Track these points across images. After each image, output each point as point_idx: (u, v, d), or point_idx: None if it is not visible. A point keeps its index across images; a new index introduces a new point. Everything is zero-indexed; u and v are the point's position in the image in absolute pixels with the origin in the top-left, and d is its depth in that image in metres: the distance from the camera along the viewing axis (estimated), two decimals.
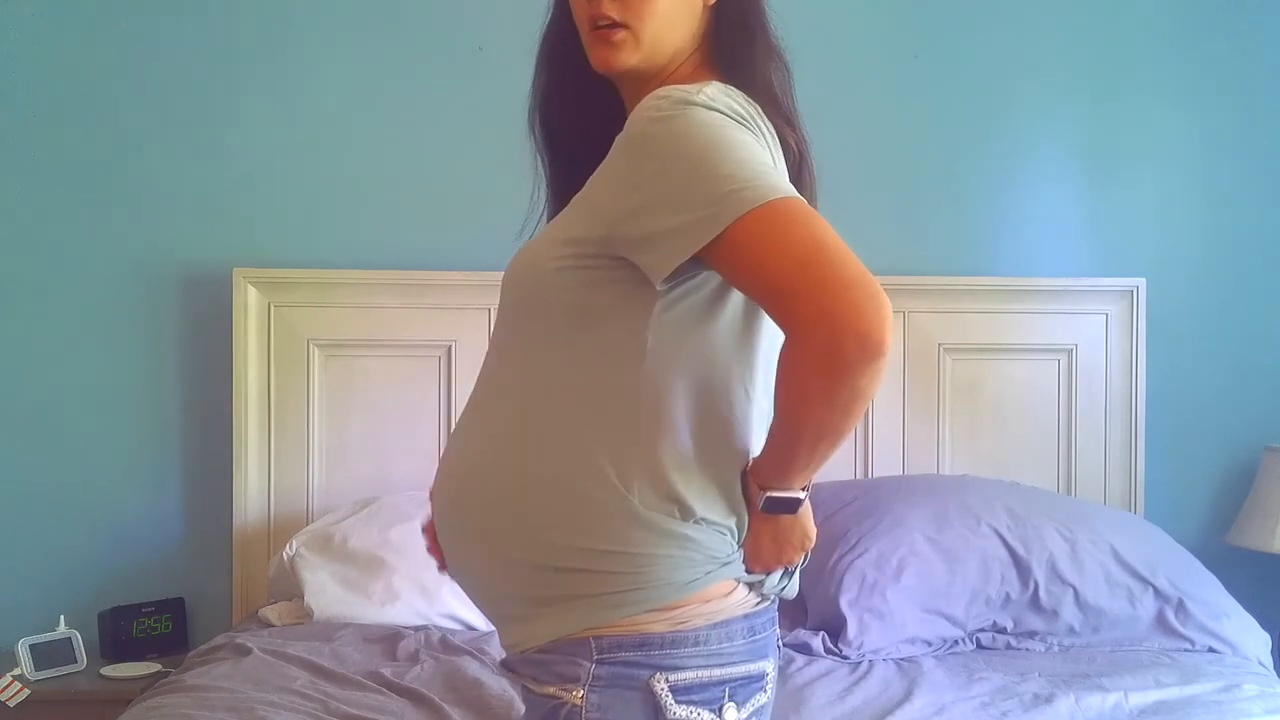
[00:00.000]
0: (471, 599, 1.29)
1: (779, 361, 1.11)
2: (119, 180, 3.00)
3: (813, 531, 1.25)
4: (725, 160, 1.09)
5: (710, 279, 1.16)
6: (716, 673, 1.16)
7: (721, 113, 1.14)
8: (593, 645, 1.14)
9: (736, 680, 1.17)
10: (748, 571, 1.23)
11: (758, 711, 1.20)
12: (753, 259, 1.06)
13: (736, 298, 1.17)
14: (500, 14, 2.94)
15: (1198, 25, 3.20)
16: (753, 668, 1.19)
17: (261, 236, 3.03)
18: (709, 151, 1.09)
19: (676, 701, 1.13)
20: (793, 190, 1.10)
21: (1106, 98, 3.18)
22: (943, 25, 3.16)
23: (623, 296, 1.16)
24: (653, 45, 1.26)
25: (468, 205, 3.03)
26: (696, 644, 1.15)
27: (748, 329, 1.20)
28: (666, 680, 1.14)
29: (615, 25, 1.25)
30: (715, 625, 1.16)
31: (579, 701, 1.14)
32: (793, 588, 1.29)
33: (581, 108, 1.36)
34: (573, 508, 1.15)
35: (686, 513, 1.15)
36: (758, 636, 1.20)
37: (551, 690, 1.16)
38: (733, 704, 1.16)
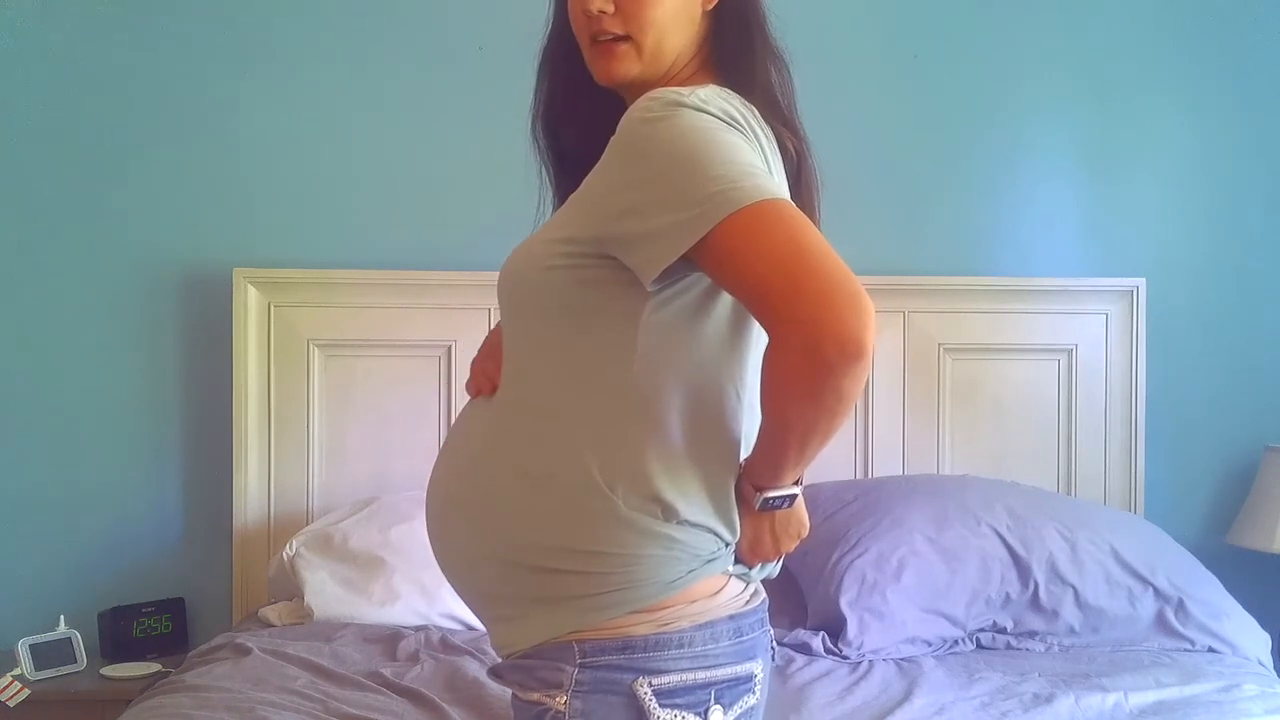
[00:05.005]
0: (461, 597, 1.30)
1: (763, 364, 1.12)
2: (119, 180, 3.00)
3: (806, 520, 1.26)
4: (713, 162, 1.09)
5: (700, 280, 1.16)
6: (701, 675, 1.15)
7: (713, 115, 1.14)
8: (576, 650, 1.14)
9: (722, 682, 1.17)
10: (745, 565, 1.23)
11: (746, 713, 1.19)
12: (736, 261, 1.06)
13: (726, 299, 1.17)
14: (500, 14, 2.94)
15: (1198, 25, 3.20)
16: (739, 669, 1.18)
17: (261, 236, 3.03)
18: (697, 153, 1.09)
19: (661, 705, 1.13)
20: (780, 192, 1.10)
21: (1107, 97, 3.18)
22: (942, 25, 3.17)
23: (613, 297, 1.16)
24: (654, 54, 1.26)
25: (468, 205, 3.03)
26: (681, 646, 1.15)
27: (737, 329, 1.20)
28: (650, 684, 1.13)
29: (616, 38, 1.25)
30: (700, 626, 1.16)
31: (562, 707, 1.14)
32: (775, 568, 1.29)
33: (585, 114, 1.35)
34: (556, 508, 1.16)
35: (670, 514, 1.15)
36: (744, 638, 1.20)
37: (536, 696, 1.16)
38: (719, 706, 1.16)
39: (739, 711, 1.18)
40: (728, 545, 1.20)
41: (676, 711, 1.14)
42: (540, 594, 1.17)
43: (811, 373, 1.04)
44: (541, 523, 1.16)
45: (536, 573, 1.16)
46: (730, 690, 1.17)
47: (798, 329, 1.03)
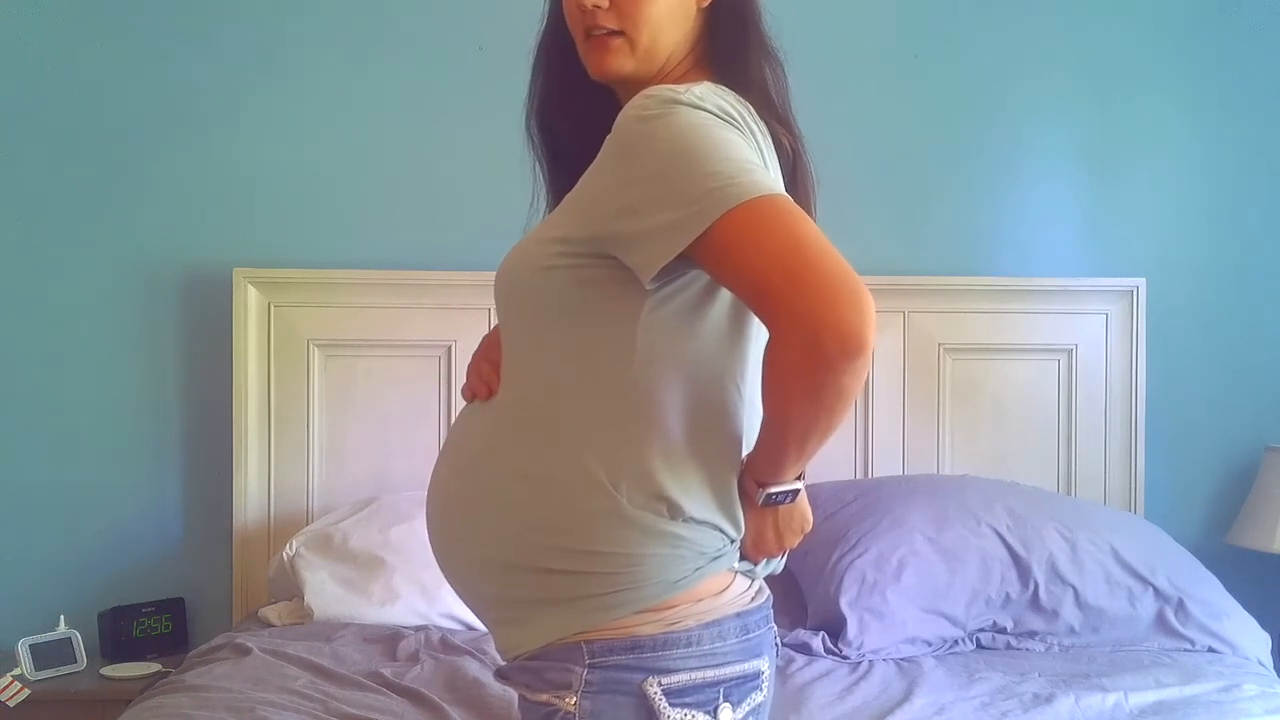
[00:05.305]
0: (464, 601, 1.29)
1: (764, 360, 1.11)
2: (119, 180, 3.00)
3: (810, 514, 1.26)
4: (710, 158, 1.08)
5: (699, 277, 1.16)
6: (710, 673, 1.15)
7: (709, 112, 1.14)
8: (584, 650, 1.14)
9: (730, 680, 1.17)
10: (750, 561, 1.24)
11: (754, 711, 1.19)
12: (735, 257, 1.06)
13: (725, 295, 1.17)
14: (500, 14, 2.93)
15: (1198, 25, 3.20)
16: (747, 667, 1.18)
17: (261, 236, 3.03)
18: (694, 150, 1.09)
19: (670, 705, 1.13)
20: (778, 188, 1.10)
21: (1107, 97, 3.18)
22: (942, 25, 3.17)
23: (612, 296, 1.16)
24: (648, 50, 1.26)
25: (468, 205, 3.03)
26: (689, 645, 1.15)
27: (737, 325, 1.20)
28: (659, 683, 1.13)
29: (610, 33, 1.25)
30: (707, 625, 1.16)
31: (572, 708, 1.13)
32: (779, 564, 1.30)
33: (579, 110, 1.35)
34: (561, 508, 1.15)
35: (675, 511, 1.15)
36: (751, 635, 1.20)
37: (545, 697, 1.16)
38: (728, 704, 1.16)
39: (747, 709, 1.18)
40: (733, 542, 1.20)
41: (686, 710, 1.14)
42: (545, 595, 1.16)
43: (812, 368, 1.04)
44: (545, 524, 1.16)
45: (541, 574, 1.16)
46: (739, 688, 1.17)
47: (798, 325, 1.03)
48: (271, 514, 2.95)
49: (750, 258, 1.05)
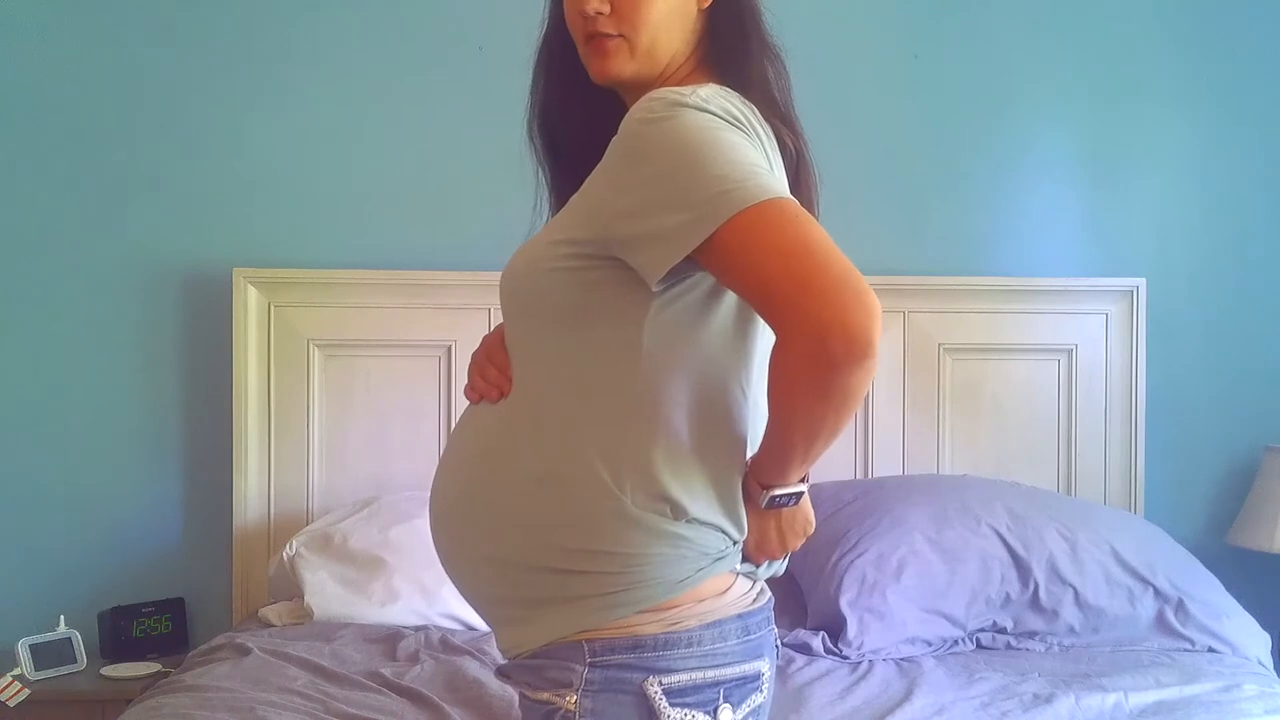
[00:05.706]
0: (466, 599, 1.30)
1: (770, 362, 1.12)
2: (119, 181, 3.00)
3: (813, 517, 1.27)
4: (717, 161, 1.09)
5: (704, 279, 1.16)
6: (710, 674, 1.16)
7: (714, 114, 1.14)
8: (585, 649, 1.14)
9: (731, 681, 1.17)
10: (753, 563, 1.24)
11: (754, 712, 1.20)
12: (742, 260, 1.06)
13: (731, 297, 1.18)
14: (500, 14, 2.93)
15: (1197, 26, 3.20)
16: (747, 668, 1.19)
17: (261, 236, 3.03)
18: (701, 153, 1.09)
19: (671, 704, 1.14)
20: (784, 191, 1.10)
21: (1107, 98, 3.18)
22: (943, 25, 3.17)
23: (618, 297, 1.16)
24: (649, 52, 1.26)
25: (467, 205, 3.03)
26: (690, 645, 1.15)
27: (742, 327, 1.20)
28: (660, 683, 1.14)
29: (610, 36, 1.26)
30: (708, 625, 1.16)
31: (572, 707, 1.14)
32: (781, 566, 1.30)
33: (582, 114, 1.35)
34: (565, 508, 1.16)
35: (679, 512, 1.15)
36: (752, 636, 1.20)
37: (545, 696, 1.16)
38: (728, 705, 1.16)
39: (747, 710, 1.19)
40: (735, 543, 1.21)
41: (686, 710, 1.14)
42: (549, 595, 1.17)
43: (819, 370, 1.05)
44: (549, 524, 1.16)
45: (545, 574, 1.16)
46: (739, 689, 1.18)
47: (805, 326, 1.04)
48: (271, 514, 2.95)
49: (757, 261, 1.05)
